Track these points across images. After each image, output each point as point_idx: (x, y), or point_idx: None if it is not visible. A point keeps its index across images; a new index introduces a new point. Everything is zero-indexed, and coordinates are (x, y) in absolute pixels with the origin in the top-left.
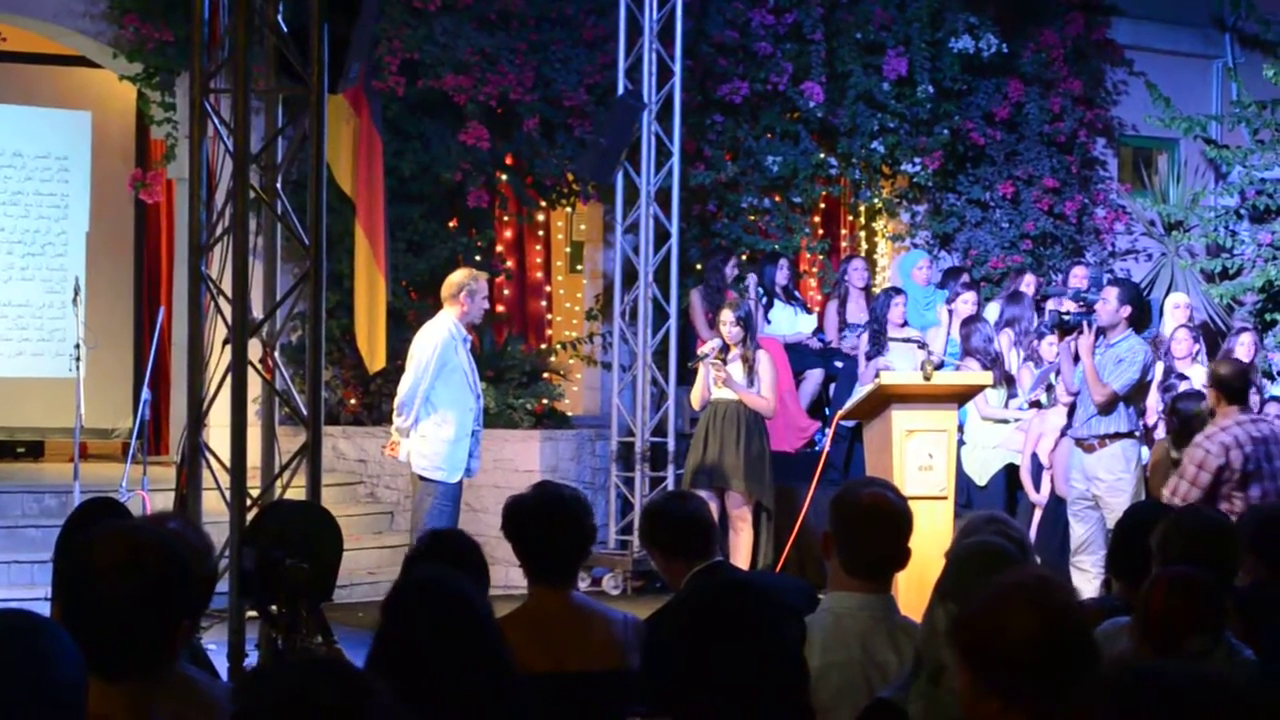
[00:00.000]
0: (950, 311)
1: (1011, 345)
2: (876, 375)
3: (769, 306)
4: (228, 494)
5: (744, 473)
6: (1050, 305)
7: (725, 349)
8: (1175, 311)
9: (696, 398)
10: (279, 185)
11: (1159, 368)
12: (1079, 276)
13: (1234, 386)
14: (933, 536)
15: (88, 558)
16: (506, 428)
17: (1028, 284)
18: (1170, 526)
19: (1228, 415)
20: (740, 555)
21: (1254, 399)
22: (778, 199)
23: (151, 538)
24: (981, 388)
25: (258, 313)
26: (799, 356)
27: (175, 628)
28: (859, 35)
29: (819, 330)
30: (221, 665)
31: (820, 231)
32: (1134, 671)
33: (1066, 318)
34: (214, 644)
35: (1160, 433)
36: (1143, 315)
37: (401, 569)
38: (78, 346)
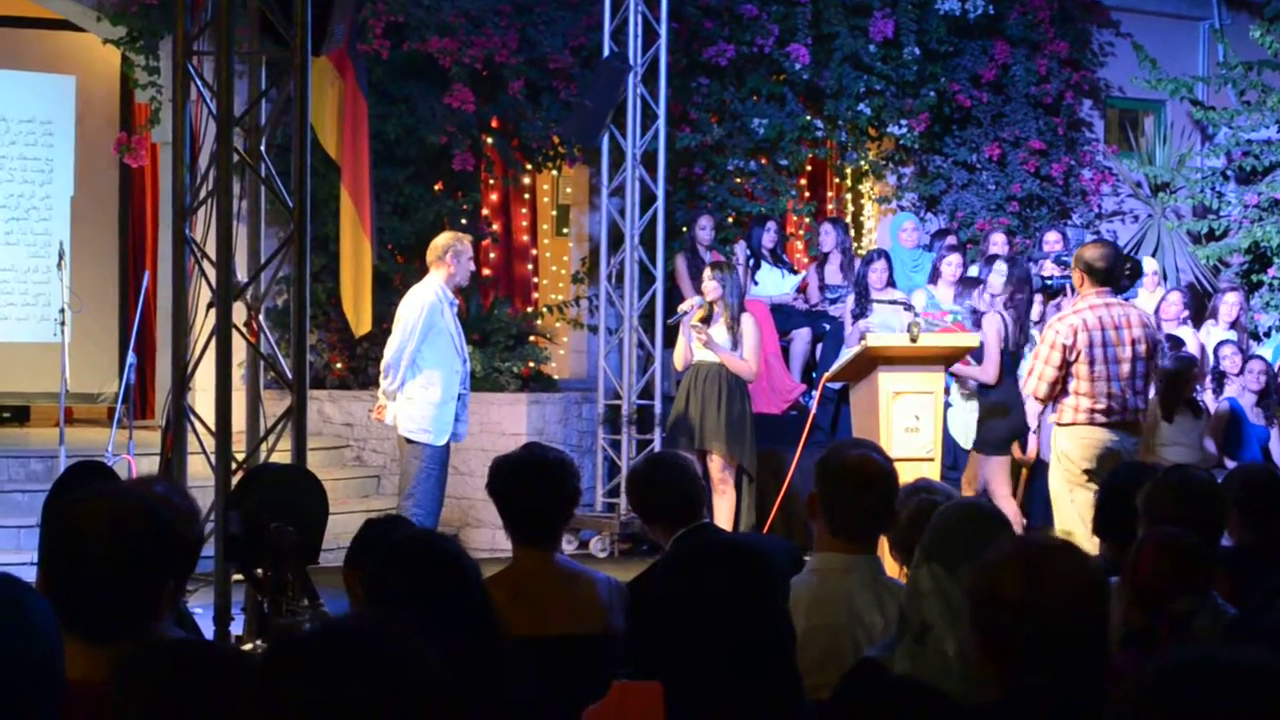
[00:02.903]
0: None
1: (990, 306)
2: (862, 337)
3: (756, 269)
4: (213, 458)
5: (725, 435)
6: (1031, 269)
7: (708, 307)
8: (1145, 279)
9: (679, 359)
10: (263, 148)
11: None
12: (1052, 241)
13: (1097, 268)
14: None
15: (71, 521)
16: (493, 391)
17: (998, 244)
18: (1157, 487)
19: (1085, 297)
20: (723, 517)
21: (1235, 358)
22: (764, 161)
23: (133, 501)
24: (968, 349)
25: (242, 276)
26: (785, 317)
27: (159, 590)
28: None
29: (803, 292)
30: (208, 629)
31: (806, 194)
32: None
33: (1049, 282)
34: (200, 608)
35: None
36: (1120, 271)
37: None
38: (63, 311)
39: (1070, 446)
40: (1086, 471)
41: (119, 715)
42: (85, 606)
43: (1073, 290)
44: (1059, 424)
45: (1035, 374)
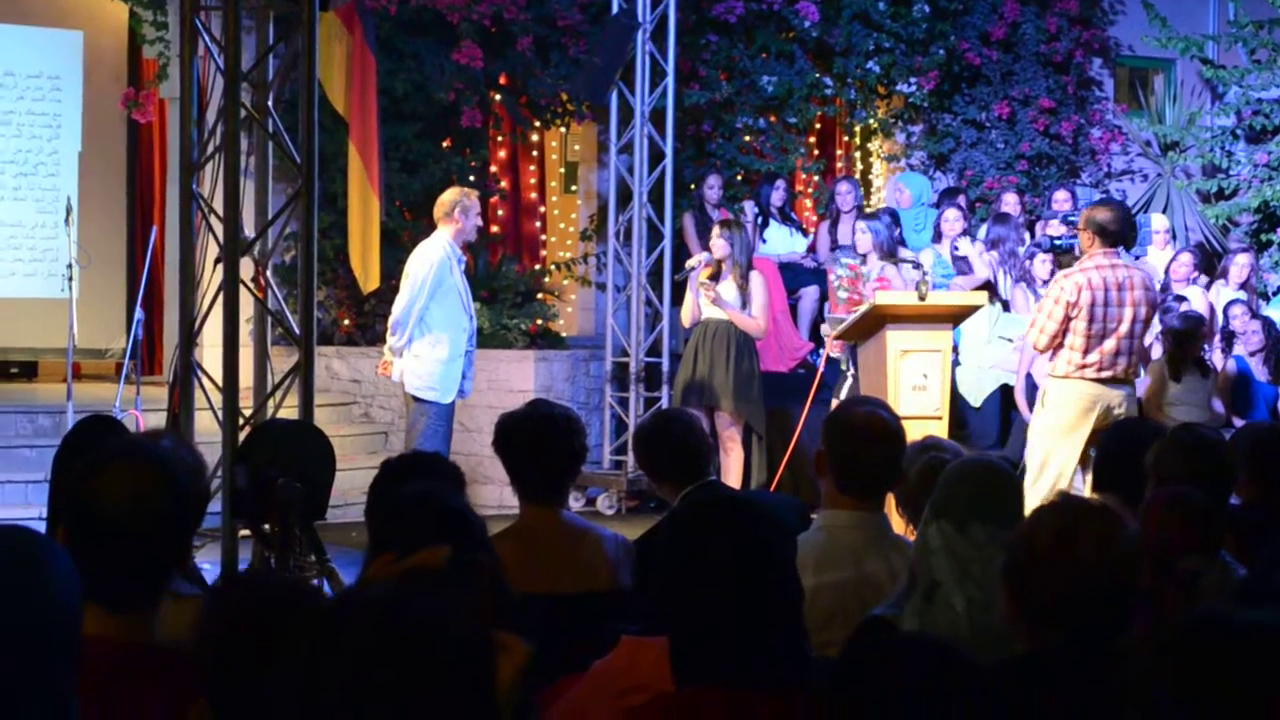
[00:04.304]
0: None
1: (997, 265)
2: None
3: (764, 226)
4: (220, 413)
5: (733, 392)
6: (1039, 228)
7: (716, 265)
8: (1155, 237)
9: (687, 316)
10: (270, 104)
11: None
12: (1060, 200)
13: (1110, 230)
14: None
15: (89, 492)
16: (501, 348)
17: (1010, 204)
18: (1165, 445)
19: (1092, 257)
20: (731, 475)
21: (1245, 319)
22: (773, 119)
23: (154, 468)
24: (976, 308)
25: (250, 232)
26: (794, 275)
27: (177, 556)
28: None
29: (813, 250)
30: None
31: (815, 152)
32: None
33: (1058, 242)
34: (208, 563)
35: (1156, 353)
36: (1130, 233)
37: (372, 489)
38: (70, 266)
39: (1061, 397)
40: (1073, 420)
41: (206, 653)
42: (104, 576)
43: (1082, 250)
44: (1052, 375)
45: (1037, 326)
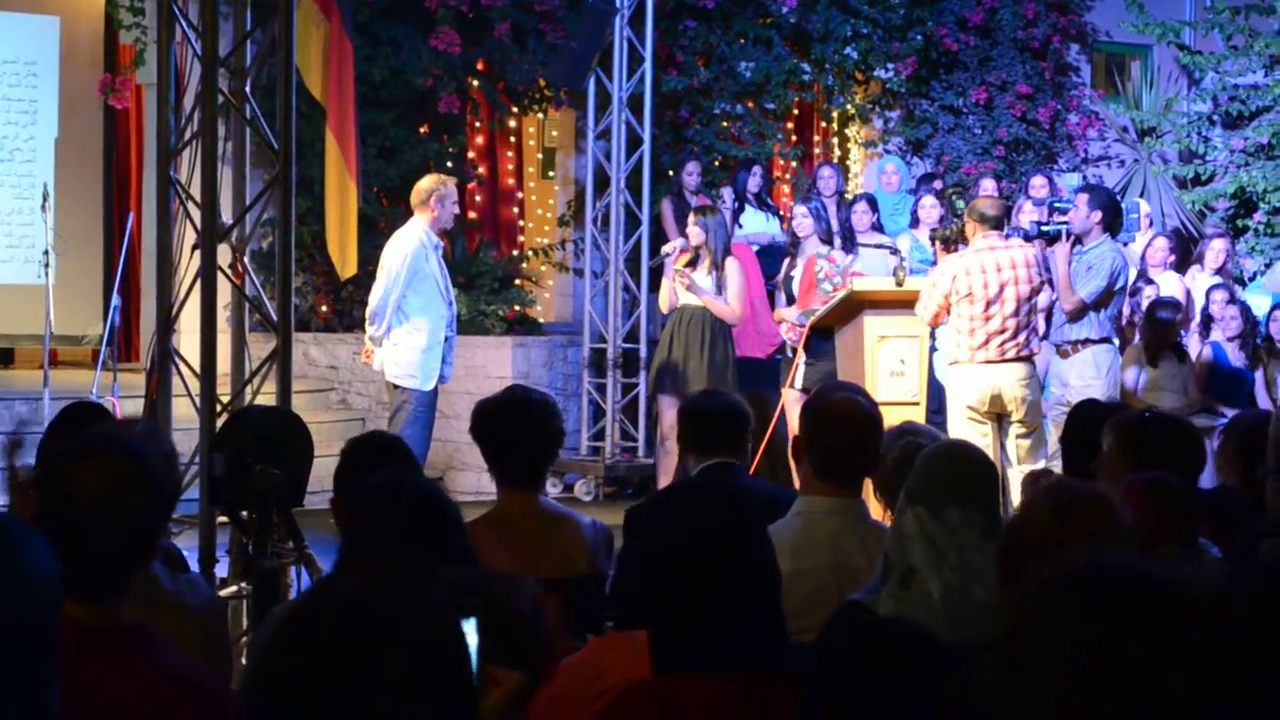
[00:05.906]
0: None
1: None
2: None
3: (740, 212)
4: (198, 400)
5: (707, 379)
6: (1015, 214)
7: (693, 251)
8: (1140, 219)
9: (664, 302)
10: (248, 90)
11: (1132, 272)
12: (1038, 186)
13: (988, 215)
14: None
15: (64, 487)
16: (478, 334)
17: (988, 189)
18: (1134, 430)
19: (972, 241)
20: None
21: (1224, 304)
22: (750, 105)
23: (130, 464)
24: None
25: (227, 218)
26: (772, 260)
27: (152, 548)
28: None
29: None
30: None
31: (793, 138)
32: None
33: (1046, 229)
34: (185, 550)
35: (1135, 338)
36: (1116, 219)
37: (336, 480)
38: (47, 253)
39: (958, 385)
40: (970, 407)
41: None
42: (80, 572)
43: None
44: (949, 364)
45: (921, 303)
